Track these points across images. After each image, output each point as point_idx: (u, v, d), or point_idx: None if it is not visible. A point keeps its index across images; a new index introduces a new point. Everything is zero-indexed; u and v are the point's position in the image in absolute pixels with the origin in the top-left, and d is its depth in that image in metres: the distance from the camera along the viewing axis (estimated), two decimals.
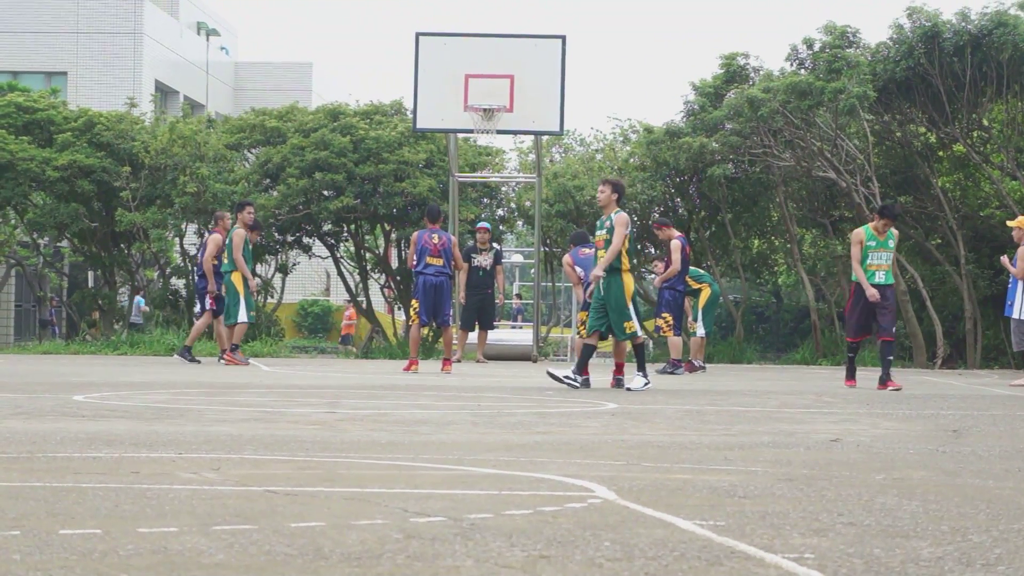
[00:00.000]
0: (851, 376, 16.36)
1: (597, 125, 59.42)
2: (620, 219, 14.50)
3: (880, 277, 15.79)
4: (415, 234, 19.19)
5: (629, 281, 14.44)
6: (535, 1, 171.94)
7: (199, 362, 21.57)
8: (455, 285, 22.36)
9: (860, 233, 16.01)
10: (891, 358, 15.99)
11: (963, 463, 7.16)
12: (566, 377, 14.56)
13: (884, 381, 15.71)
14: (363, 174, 28.01)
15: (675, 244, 19.95)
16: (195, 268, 22.83)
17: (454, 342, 23.78)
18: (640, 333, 14.46)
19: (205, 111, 44.32)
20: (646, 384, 14.53)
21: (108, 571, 3.71)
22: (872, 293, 15.65)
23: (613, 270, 14.44)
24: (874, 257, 15.84)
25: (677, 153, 27.77)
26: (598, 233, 14.79)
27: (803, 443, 8.24)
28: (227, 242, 20.87)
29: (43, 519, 4.62)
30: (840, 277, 29.89)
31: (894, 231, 16.05)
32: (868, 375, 17.69)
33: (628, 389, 14.45)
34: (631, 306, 14.36)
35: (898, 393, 14.94)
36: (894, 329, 15.96)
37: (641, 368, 14.53)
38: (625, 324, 14.33)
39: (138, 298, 33.04)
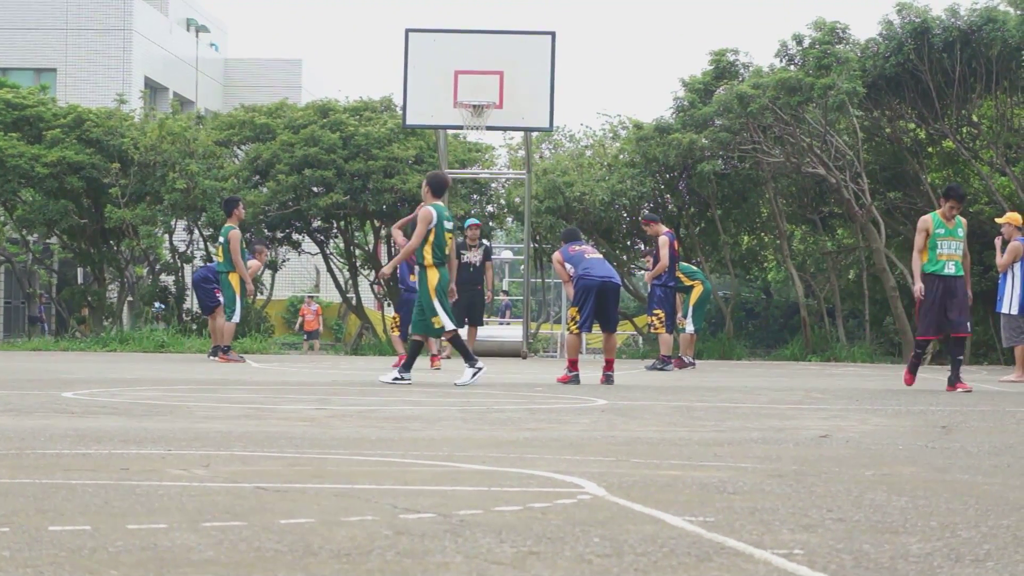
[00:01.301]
0: (912, 371, 14.85)
1: (587, 121, 59.84)
2: (421, 214, 14.28)
3: (951, 268, 14.29)
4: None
5: (434, 276, 14.14)
6: None
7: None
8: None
9: (927, 220, 14.41)
10: (961, 358, 14.70)
11: (952, 459, 7.17)
12: (395, 379, 14.19)
13: (953, 382, 14.45)
14: (353, 170, 28.00)
15: (662, 240, 19.95)
16: (201, 268, 22.51)
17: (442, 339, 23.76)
18: (449, 327, 14.23)
19: (194, 107, 44.30)
20: (475, 374, 14.08)
21: (97, 568, 3.71)
22: (918, 289, 14.33)
23: (419, 266, 14.30)
24: (944, 246, 14.32)
25: (667, 149, 27.79)
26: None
27: (792, 439, 8.25)
28: (224, 241, 20.67)
29: (32, 516, 4.61)
30: (830, 273, 29.92)
31: (963, 220, 14.54)
32: (861, 371, 17.70)
33: (456, 384, 14.05)
34: (436, 300, 14.16)
35: (887, 389, 14.93)
36: (968, 325, 14.62)
37: (468, 359, 14.20)
38: (432, 319, 14.16)
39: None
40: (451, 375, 17.16)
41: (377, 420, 9.38)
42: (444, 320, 14.20)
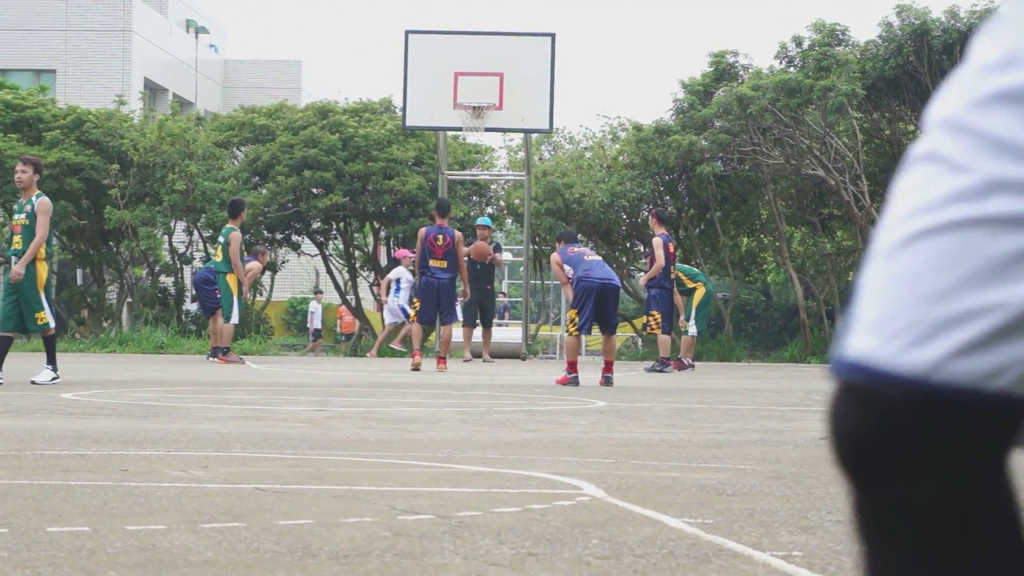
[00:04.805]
0: None
1: (586, 123, 59.56)
2: (43, 206, 13.67)
3: None
4: (422, 231, 18.90)
5: (43, 270, 13.64)
6: None
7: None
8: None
9: None
10: None
11: None
12: (53, 380, 13.65)
13: None
14: (352, 172, 27.99)
15: (657, 241, 19.91)
16: (202, 269, 22.35)
17: (460, 341, 23.70)
18: (52, 325, 13.77)
19: (194, 109, 44.26)
20: (54, 379, 13.60)
21: (96, 569, 3.71)
22: None
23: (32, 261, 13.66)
24: None
25: (666, 151, 27.78)
26: (16, 217, 13.95)
27: (792, 441, 8.25)
28: (224, 242, 20.67)
29: (31, 517, 4.61)
30: (829, 274, 29.91)
31: None
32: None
33: (33, 382, 13.48)
34: (43, 296, 13.65)
35: None
36: None
37: (51, 361, 13.70)
38: (36, 315, 13.55)
39: (314, 303, 34.22)
40: (449, 377, 17.15)
41: (376, 421, 9.38)
42: (48, 316, 13.68)
